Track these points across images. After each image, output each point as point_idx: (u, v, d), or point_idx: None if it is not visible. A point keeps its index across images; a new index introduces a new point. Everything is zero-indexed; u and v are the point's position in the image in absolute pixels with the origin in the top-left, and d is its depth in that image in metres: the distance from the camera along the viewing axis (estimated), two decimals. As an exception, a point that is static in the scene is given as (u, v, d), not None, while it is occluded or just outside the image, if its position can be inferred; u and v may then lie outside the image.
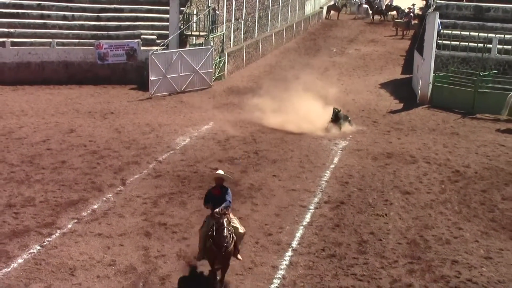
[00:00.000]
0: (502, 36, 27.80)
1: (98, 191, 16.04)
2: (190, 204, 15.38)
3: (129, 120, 22.72)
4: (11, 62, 27.61)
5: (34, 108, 24.02)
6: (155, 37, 29.62)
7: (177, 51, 27.67)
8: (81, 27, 29.78)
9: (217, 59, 29.99)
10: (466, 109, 25.19)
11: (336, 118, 22.02)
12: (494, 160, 19.52)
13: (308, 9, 49.51)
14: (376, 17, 52.65)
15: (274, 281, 11.90)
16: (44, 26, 29.34)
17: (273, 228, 14.15)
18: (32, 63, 27.91)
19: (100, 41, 28.60)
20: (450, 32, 28.86)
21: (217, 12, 29.66)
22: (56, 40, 28.42)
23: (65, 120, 22.52)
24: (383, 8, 52.89)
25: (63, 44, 28.52)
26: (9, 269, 12.01)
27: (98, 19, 30.42)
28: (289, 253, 13.03)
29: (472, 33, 28.51)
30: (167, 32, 28.96)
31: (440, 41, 28.09)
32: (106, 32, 29.71)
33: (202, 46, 28.94)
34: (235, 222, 11.50)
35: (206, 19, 29.15)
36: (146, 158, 18.69)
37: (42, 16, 29.64)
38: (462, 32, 28.83)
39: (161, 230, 13.86)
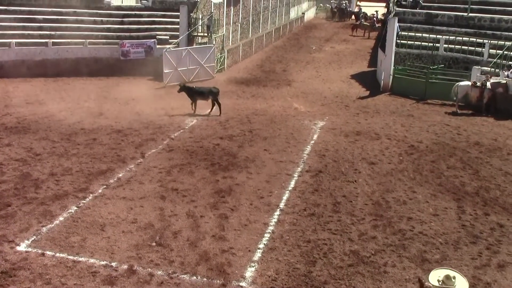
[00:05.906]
0: (448, 37, 27.76)
1: (122, 162, 15.93)
2: (197, 173, 15.28)
3: (147, 105, 22.47)
4: (52, 58, 27.29)
5: (70, 95, 23.76)
6: (168, 37, 29.26)
7: (186, 48, 27.38)
8: (108, 30, 29.48)
9: (218, 55, 29.72)
10: (419, 96, 25.06)
11: (181, 90, 21.36)
12: (441, 137, 19.48)
13: (293, 14, 48.94)
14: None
15: (265, 235, 11.86)
16: (78, 29, 28.95)
17: (264, 192, 14.10)
18: (69, 59, 27.53)
19: (123, 40, 28.30)
20: (406, 33, 28.75)
21: (213, 18, 29.21)
22: (88, 40, 28.12)
23: (95, 105, 22.30)
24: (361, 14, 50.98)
25: (93, 43, 28.18)
26: (53, 225, 11.97)
27: (121, 23, 30.06)
28: (277, 212, 13.00)
29: (424, 35, 28.41)
30: (178, 33, 28.69)
31: (398, 41, 27.92)
32: (128, 33, 29.39)
33: (206, 44, 28.68)
34: None
35: (211, 24, 28.80)
36: (161, 136, 18.55)
37: (76, 21, 29.17)
38: (416, 34, 28.74)
39: (174, 194, 13.78)
